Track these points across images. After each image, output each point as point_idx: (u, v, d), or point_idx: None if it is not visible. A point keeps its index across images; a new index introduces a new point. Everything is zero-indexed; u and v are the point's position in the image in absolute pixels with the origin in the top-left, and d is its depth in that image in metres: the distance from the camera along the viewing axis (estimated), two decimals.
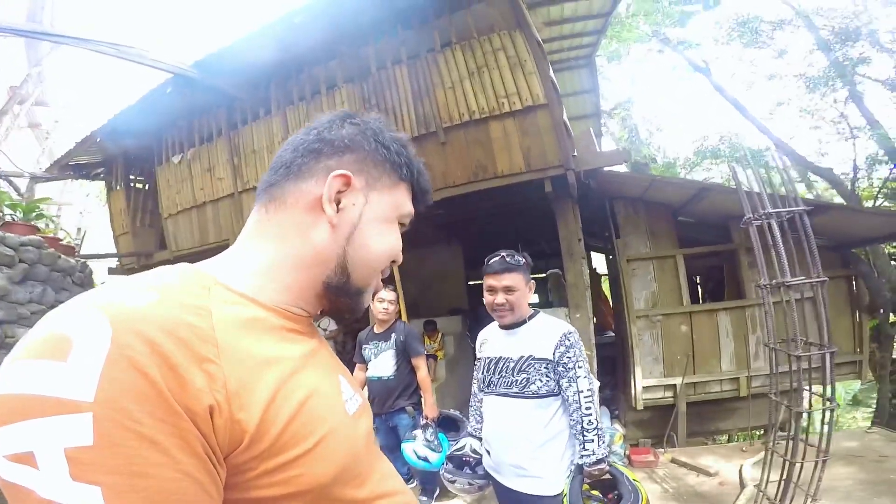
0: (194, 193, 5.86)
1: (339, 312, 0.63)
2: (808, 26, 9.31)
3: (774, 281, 2.72)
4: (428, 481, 3.24)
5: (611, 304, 7.81)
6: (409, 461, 2.74)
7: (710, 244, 5.24)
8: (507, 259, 1.75)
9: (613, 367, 6.13)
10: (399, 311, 3.53)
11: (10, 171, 7.74)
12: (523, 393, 1.69)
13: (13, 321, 3.54)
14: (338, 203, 0.57)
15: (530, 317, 1.80)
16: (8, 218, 4.34)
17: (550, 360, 1.68)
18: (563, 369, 1.67)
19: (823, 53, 9.13)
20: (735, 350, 4.77)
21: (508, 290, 1.73)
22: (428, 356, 3.95)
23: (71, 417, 0.34)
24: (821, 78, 8.99)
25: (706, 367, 4.80)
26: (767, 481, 2.73)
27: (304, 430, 0.47)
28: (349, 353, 5.61)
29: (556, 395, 1.69)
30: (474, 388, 1.95)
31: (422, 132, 4.36)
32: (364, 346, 3.13)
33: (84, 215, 12.06)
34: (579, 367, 1.67)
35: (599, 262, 9.68)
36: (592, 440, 1.62)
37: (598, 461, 1.60)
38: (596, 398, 1.71)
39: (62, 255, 4.23)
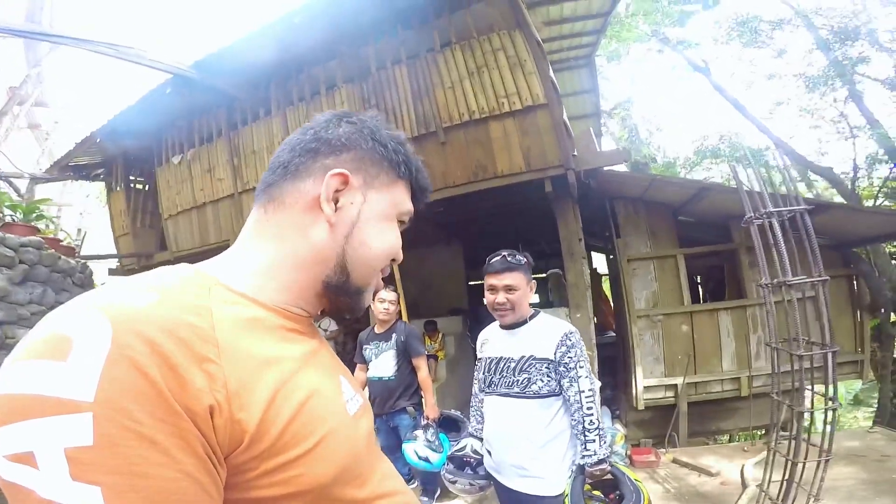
0: (194, 194, 5.86)
1: (340, 312, 0.62)
2: (807, 26, 9.31)
3: (776, 280, 2.72)
4: (429, 482, 3.24)
5: (611, 303, 7.81)
6: (410, 461, 2.74)
7: (710, 244, 5.24)
8: (509, 258, 1.75)
9: (614, 367, 6.13)
10: (400, 312, 3.53)
11: (10, 172, 7.74)
12: (524, 393, 1.69)
13: (13, 322, 3.54)
14: (336, 202, 0.57)
15: (531, 317, 1.79)
16: (8, 219, 4.34)
17: (551, 360, 1.67)
18: (565, 369, 1.66)
19: (823, 53, 9.13)
20: (736, 350, 4.77)
21: (509, 289, 1.72)
22: (428, 356, 3.95)
23: (71, 417, 0.34)
24: (820, 77, 8.99)
25: (707, 367, 4.79)
26: (770, 481, 2.72)
27: (304, 430, 0.47)
28: (350, 353, 5.61)
29: (558, 396, 1.69)
30: (475, 388, 1.95)
31: (422, 132, 4.36)
32: (365, 347, 3.13)
33: (84, 216, 12.07)
34: (580, 367, 1.67)
35: (600, 261, 9.68)
36: (594, 440, 1.62)
37: (600, 461, 1.60)
38: (597, 398, 1.71)
39: (62, 256, 4.23)
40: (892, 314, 6.34)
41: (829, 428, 2.57)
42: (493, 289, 1.75)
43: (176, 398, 0.38)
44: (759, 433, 4.85)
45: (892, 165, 8.52)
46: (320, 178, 0.56)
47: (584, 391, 1.65)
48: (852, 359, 4.72)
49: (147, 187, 7.02)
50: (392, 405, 3.02)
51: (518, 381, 1.70)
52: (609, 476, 1.62)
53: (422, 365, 3.05)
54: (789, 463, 2.60)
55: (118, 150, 6.53)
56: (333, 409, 0.54)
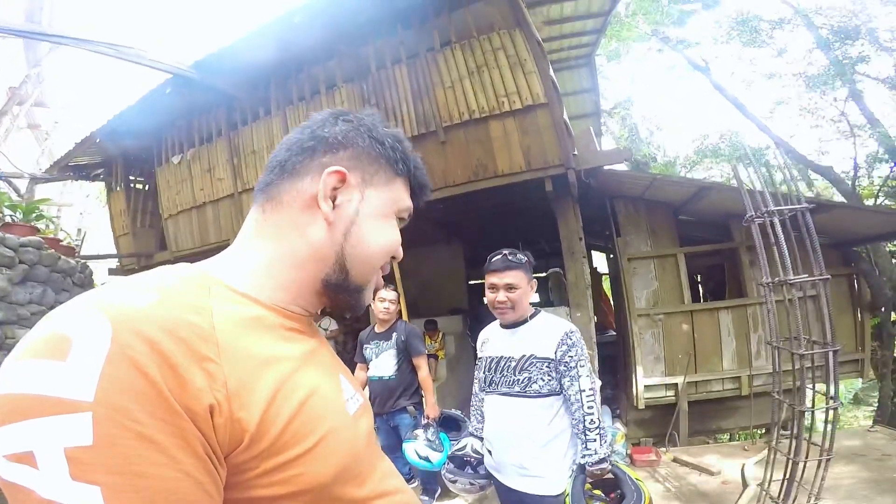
0: (194, 194, 5.86)
1: (341, 310, 0.62)
2: (807, 25, 9.31)
3: (777, 279, 2.72)
4: (429, 481, 3.24)
5: (612, 302, 7.81)
6: (411, 461, 2.74)
7: (710, 243, 5.25)
8: (510, 257, 1.75)
9: (615, 366, 6.13)
10: (400, 311, 3.52)
11: (10, 172, 7.75)
12: (525, 392, 1.69)
13: (13, 322, 3.54)
14: (333, 200, 0.56)
15: (532, 316, 1.79)
16: (8, 219, 4.33)
17: (552, 360, 1.67)
18: (565, 368, 1.66)
19: (823, 52, 9.13)
20: (737, 349, 4.77)
21: (510, 287, 1.72)
22: (429, 356, 3.95)
23: (71, 417, 0.34)
24: (820, 76, 8.99)
25: (708, 366, 4.79)
26: (770, 480, 2.72)
27: (304, 429, 0.47)
28: (350, 352, 5.61)
29: (558, 395, 1.69)
30: (475, 387, 1.95)
31: (422, 131, 4.36)
32: (365, 346, 3.13)
33: (84, 216, 12.07)
34: (581, 366, 1.67)
35: (600, 261, 9.69)
36: (595, 439, 1.61)
37: (601, 461, 1.60)
38: (598, 397, 1.70)
39: (62, 256, 4.23)
40: (893, 313, 6.34)
41: (829, 427, 2.57)
42: (494, 287, 1.75)
43: (176, 398, 0.37)
44: (759, 432, 4.85)
45: (893, 164, 8.51)
46: (317, 177, 0.56)
47: (584, 390, 1.65)
48: (852, 357, 4.72)
49: (147, 187, 7.02)
50: (392, 404, 3.02)
51: (519, 380, 1.70)
52: (610, 475, 1.62)
53: (422, 364, 3.05)
54: (790, 462, 2.60)
55: (118, 150, 6.53)
56: (333, 408, 0.54)
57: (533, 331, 1.76)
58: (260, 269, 0.55)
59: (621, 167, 5.90)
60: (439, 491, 3.27)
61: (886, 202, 8.59)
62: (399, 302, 3.37)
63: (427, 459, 2.67)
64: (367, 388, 3.08)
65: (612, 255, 6.29)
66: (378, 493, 0.57)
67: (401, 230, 0.64)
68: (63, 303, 0.42)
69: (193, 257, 5.22)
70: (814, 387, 2.68)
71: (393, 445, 3.01)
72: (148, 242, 6.79)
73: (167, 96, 5.36)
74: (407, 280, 4.63)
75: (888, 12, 9.00)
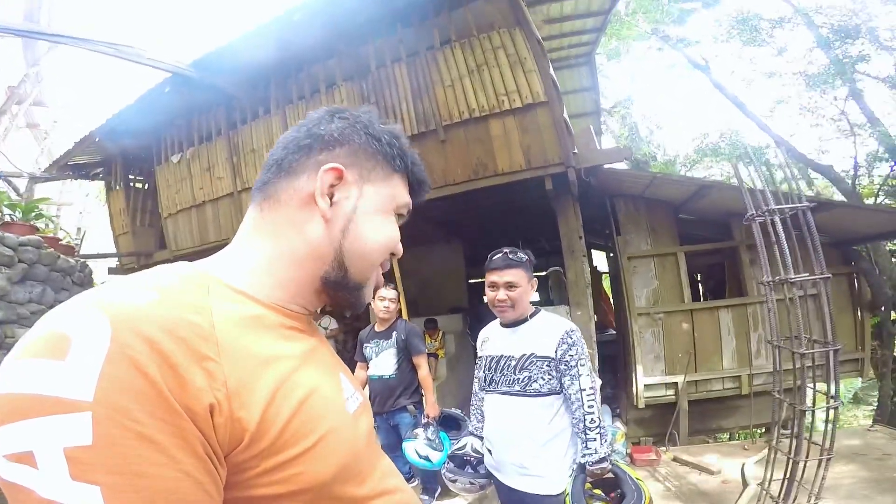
0: (194, 193, 5.86)
1: (340, 308, 0.62)
2: (807, 24, 9.29)
3: (777, 277, 2.71)
4: (429, 480, 3.24)
5: (612, 301, 7.82)
6: (411, 460, 2.74)
7: (711, 241, 5.24)
8: (510, 255, 1.74)
9: (615, 365, 6.14)
10: (400, 310, 3.52)
11: (9, 172, 7.74)
12: (525, 391, 1.69)
13: (13, 321, 3.54)
14: (331, 197, 0.56)
15: (532, 314, 1.79)
16: (7, 218, 4.33)
17: (552, 358, 1.67)
18: (565, 367, 1.66)
19: (823, 51, 9.12)
20: (737, 348, 4.77)
21: (510, 286, 1.72)
22: (429, 355, 3.94)
23: (70, 417, 0.34)
24: (820, 75, 8.99)
25: (708, 365, 4.79)
26: (770, 479, 2.72)
27: (304, 428, 0.47)
28: (350, 351, 5.61)
29: (559, 394, 1.69)
30: (475, 386, 1.95)
31: (421, 130, 4.35)
32: (365, 345, 3.12)
33: (83, 215, 12.06)
34: (581, 365, 1.66)
35: (600, 259, 9.69)
36: (595, 439, 1.61)
37: (601, 460, 1.59)
38: (598, 396, 1.70)
39: (62, 255, 4.23)
40: (893, 312, 6.34)
41: (829, 426, 2.57)
42: (494, 285, 1.75)
43: (176, 397, 0.37)
44: (759, 431, 4.86)
45: (893, 163, 8.51)
46: (314, 174, 0.56)
47: (584, 389, 1.65)
48: (852, 357, 4.73)
49: (146, 186, 7.01)
50: (392, 403, 3.02)
51: (519, 379, 1.70)
52: (610, 475, 1.62)
53: (422, 363, 3.05)
54: (790, 461, 2.60)
55: (117, 149, 6.52)
56: (333, 407, 0.54)
57: (533, 329, 1.76)
58: (259, 268, 0.55)
59: (621, 166, 5.90)
60: (439, 490, 3.27)
61: (886, 201, 8.59)
62: (399, 301, 3.36)
63: (427, 458, 2.67)
64: (367, 387, 3.08)
65: (612, 254, 6.29)
66: (378, 492, 0.57)
67: (400, 228, 0.64)
68: (62, 302, 0.42)
69: (193, 256, 5.20)
70: (814, 386, 2.68)
71: (393, 444, 3.01)
72: (147, 241, 6.78)
73: (166, 95, 5.36)
74: (407, 279, 4.63)
75: (888, 11, 8.99)
